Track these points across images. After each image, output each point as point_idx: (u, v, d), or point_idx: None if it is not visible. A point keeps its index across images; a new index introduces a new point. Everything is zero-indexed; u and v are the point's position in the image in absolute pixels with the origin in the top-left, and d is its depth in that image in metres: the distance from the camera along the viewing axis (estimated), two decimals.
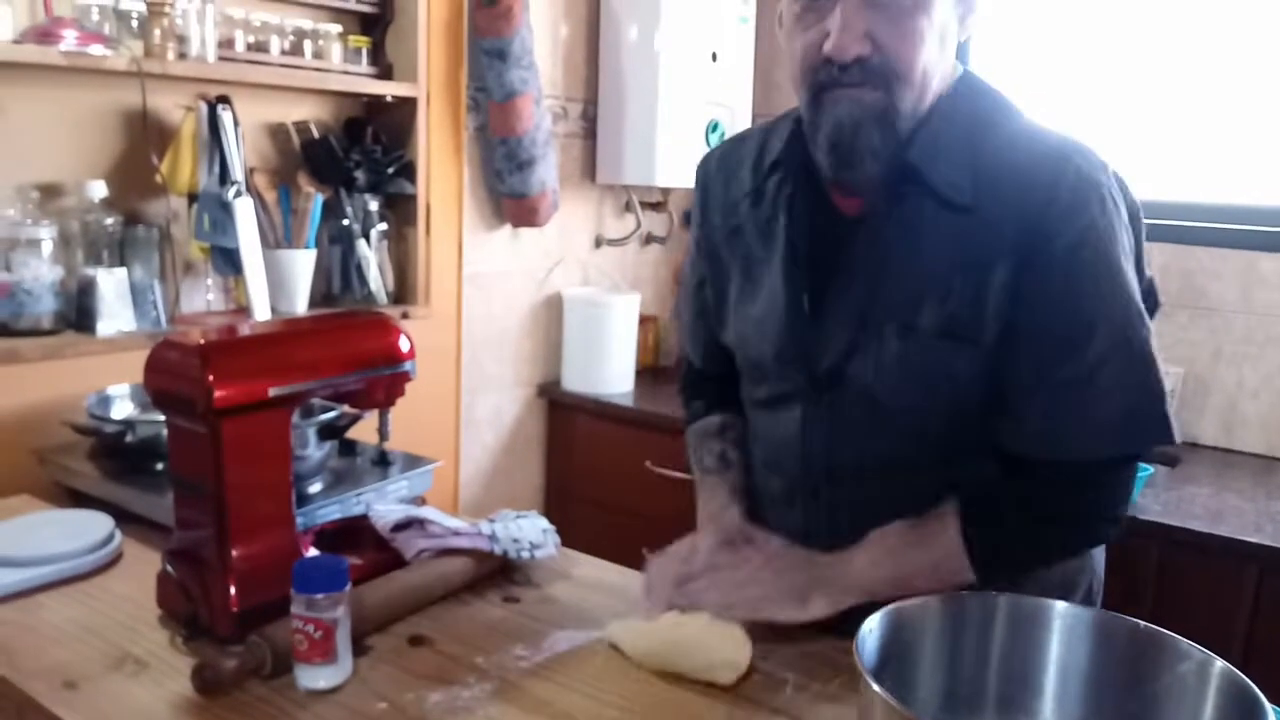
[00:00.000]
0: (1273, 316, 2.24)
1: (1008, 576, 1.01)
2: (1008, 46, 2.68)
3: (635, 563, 1.33)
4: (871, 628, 0.72)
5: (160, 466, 1.47)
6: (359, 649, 1.05)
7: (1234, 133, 2.38)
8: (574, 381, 2.74)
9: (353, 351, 1.20)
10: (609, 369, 2.70)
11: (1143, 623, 0.73)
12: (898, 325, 1.03)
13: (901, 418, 1.07)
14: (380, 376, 1.23)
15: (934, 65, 1.00)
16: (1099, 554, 1.22)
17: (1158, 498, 1.91)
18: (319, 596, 0.98)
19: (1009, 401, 1.02)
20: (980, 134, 1.03)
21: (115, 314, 1.80)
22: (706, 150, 2.68)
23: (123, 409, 1.64)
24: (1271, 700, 0.86)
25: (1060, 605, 0.77)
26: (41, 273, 1.73)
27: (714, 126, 2.71)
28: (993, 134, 1.03)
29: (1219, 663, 0.68)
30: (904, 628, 0.75)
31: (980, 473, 1.07)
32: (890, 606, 0.75)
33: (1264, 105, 2.33)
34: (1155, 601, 1.79)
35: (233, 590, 1.08)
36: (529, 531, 1.31)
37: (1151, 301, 1.06)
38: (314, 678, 0.99)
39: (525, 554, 1.28)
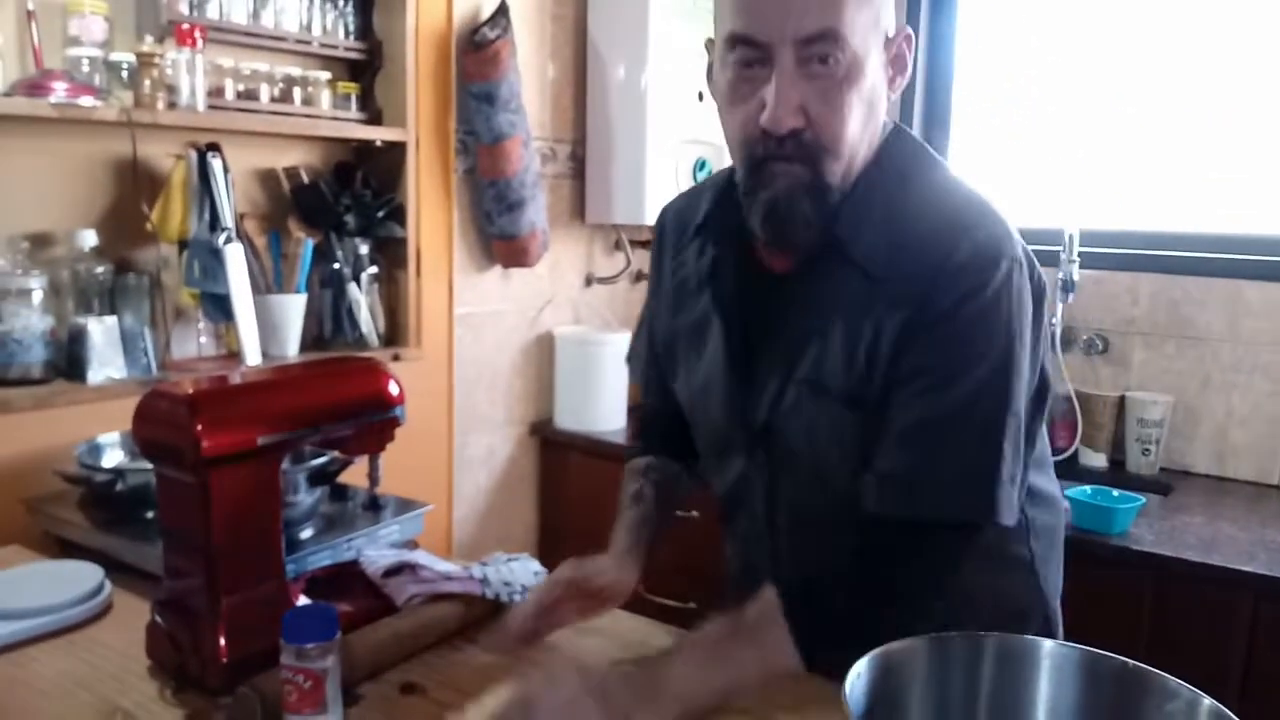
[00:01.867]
0: (1259, 344, 2.26)
1: (837, 658, 0.86)
2: (994, 77, 2.72)
3: (630, 603, 1.32)
4: (859, 672, 0.72)
5: (150, 515, 1.46)
6: (350, 698, 1.05)
7: (1218, 162, 2.41)
8: (567, 420, 2.74)
9: (341, 398, 1.21)
10: (601, 407, 2.70)
11: (1131, 661, 0.73)
12: (810, 387, 1.06)
13: (822, 472, 1.10)
14: (370, 423, 1.23)
15: (860, 136, 1.02)
16: (1050, 579, 1.22)
17: (1151, 527, 1.91)
18: (308, 646, 0.98)
19: (872, 453, 1.02)
20: (900, 200, 1.05)
21: (106, 362, 1.80)
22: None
23: (113, 457, 1.64)
24: None
25: (1048, 644, 0.77)
26: (32, 322, 1.73)
27: (701, 164, 2.73)
28: (910, 200, 1.05)
29: (1207, 701, 0.68)
30: (891, 671, 0.75)
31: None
32: (878, 650, 0.75)
33: (1247, 134, 2.36)
34: (1150, 633, 1.79)
35: (222, 641, 1.07)
36: (520, 574, 1.31)
37: (1041, 385, 1.08)
38: None
39: (517, 597, 1.28)
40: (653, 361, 1.34)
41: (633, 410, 1.51)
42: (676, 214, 1.28)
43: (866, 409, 1.03)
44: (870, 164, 1.06)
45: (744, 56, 0.99)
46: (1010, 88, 2.67)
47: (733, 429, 1.17)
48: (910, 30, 1.05)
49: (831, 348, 1.05)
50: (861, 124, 1.01)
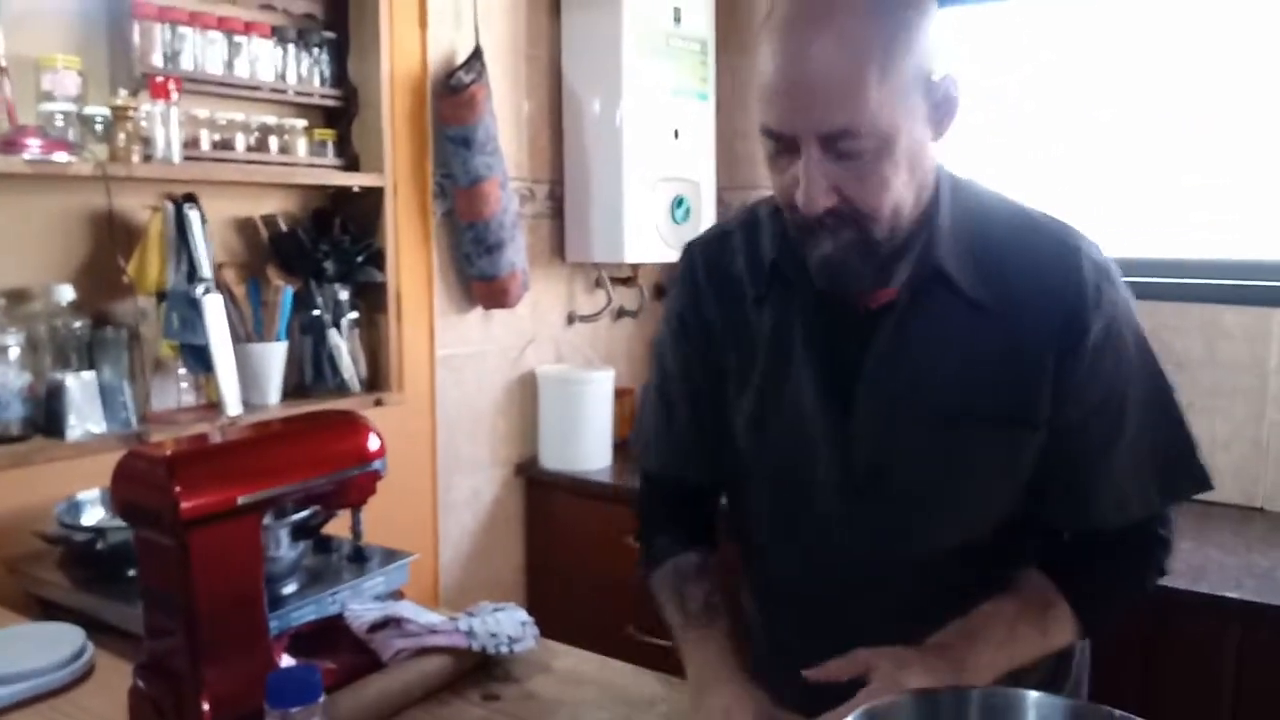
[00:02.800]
0: (1238, 368, 2.27)
1: (1109, 627, 1.11)
2: (970, 106, 2.74)
3: (620, 640, 1.31)
4: None
5: (132, 573, 1.44)
6: None
7: (1194, 189, 2.43)
8: (552, 459, 2.73)
9: (321, 453, 1.20)
10: (586, 445, 2.70)
11: (1119, 712, 0.72)
12: (941, 419, 1.06)
13: (942, 510, 1.09)
14: (350, 477, 1.22)
15: (904, 193, 1.01)
16: None
17: None
18: (294, 710, 0.96)
19: (1073, 486, 1.07)
20: (980, 228, 1.07)
21: (85, 417, 1.79)
22: (674, 226, 2.73)
23: (94, 514, 1.62)
24: None
25: (1034, 695, 0.76)
26: (9, 379, 1.71)
27: (679, 202, 2.75)
28: (992, 229, 1.07)
29: None
30: None
31: (1013, 558, 1.11)
32: (863, 707, 0.74)
33: (1221, 160, 2.38)
34: (1143, 665, 1.78)
35: (205, 706, 1.05)
36: (507, 625, 1.30)
37: None
38: None
39: (504, 649, 1.27)
40: (680, 423, 1.25)
41: (647, 496, 1.35)
42: (706, 253, 1.24)
43: (1022, 427, 1.05)
44: (944, 198, 1.07)
45: (774, 145, 1.01)
46: (986, 117, 2.70)
47: (823, 474, 1.12)
48: (954, 76, 1.02)
49: (953, 377, 1.05)
50: (903, 184, 1.00)
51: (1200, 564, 1.89)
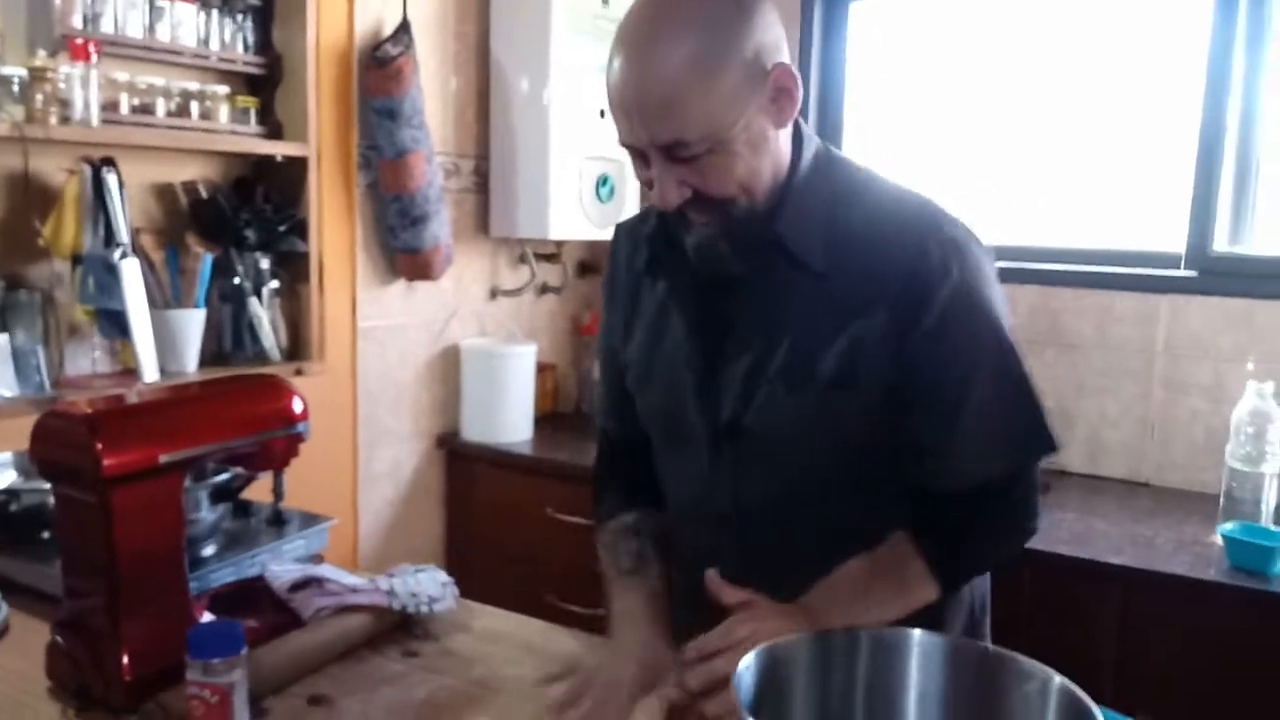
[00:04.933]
0: (1127, 351, 2.40)
1: (964, 581, 1.21)
2: (862, 102, 2.83)
3: (539, 609, 1.36)
4: (747, 665, 0.77)
5: (46, 535, 1.44)
6: (257, 712, 1.06)
7: (1089, 180, 2.55)
8: (473, 432, 2.76)
9: (245, 414, 1.21)
10: (508, 418, 2.73)
11: (991, 646, 0.79)
12: (783, 379, 1.13)
13: (795, 460, 1.16)
14: (274, 439, 1.24)
15: (753, 176, 1.08)
16: None
17: None
18: (214, 661, 0.99)
19: (920, 448, 1.13)
20: (844, 205, 1.14)
21: None
22: (599, 204, 2.77)
23: (5, 478, 1.60)
24: (1140, 710, 0.94)
25: (917, 634, 0.83)
26: None
27: (604, 180, 2.78)
28: (856, 204, 1.14)
29: (1057, 678, 0.75)
30: (777, 665, 0.80)
31: (871, 503, 1.18)
32: (763, 645, 0.80)
33: (1119, 153, 2.51)
34: (1029, 623, 1.88)
35: (125, 659, 1.07)
36: (427, 585, 1.33)
37: None
38: None
39: (424, 608, 1.30)
40: (617, 382, 1.34)
41: (600, 450, 1.46)
42: (629, 232, 1.34)
43: (849, 389, 1.11)
44: (802, 176, 1.13)
45: (630, 152, 1.09)
46: (891, 107, 2.78)
47: (696, 426, 1.20)
48: (785, 64, 1.07)
49: (795, 341, 1.12)
50: (747, 168, 1.07)
51: (1085, 533, 2.00)
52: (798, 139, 1.15)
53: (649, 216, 1.29)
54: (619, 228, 1.38)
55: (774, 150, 1.11)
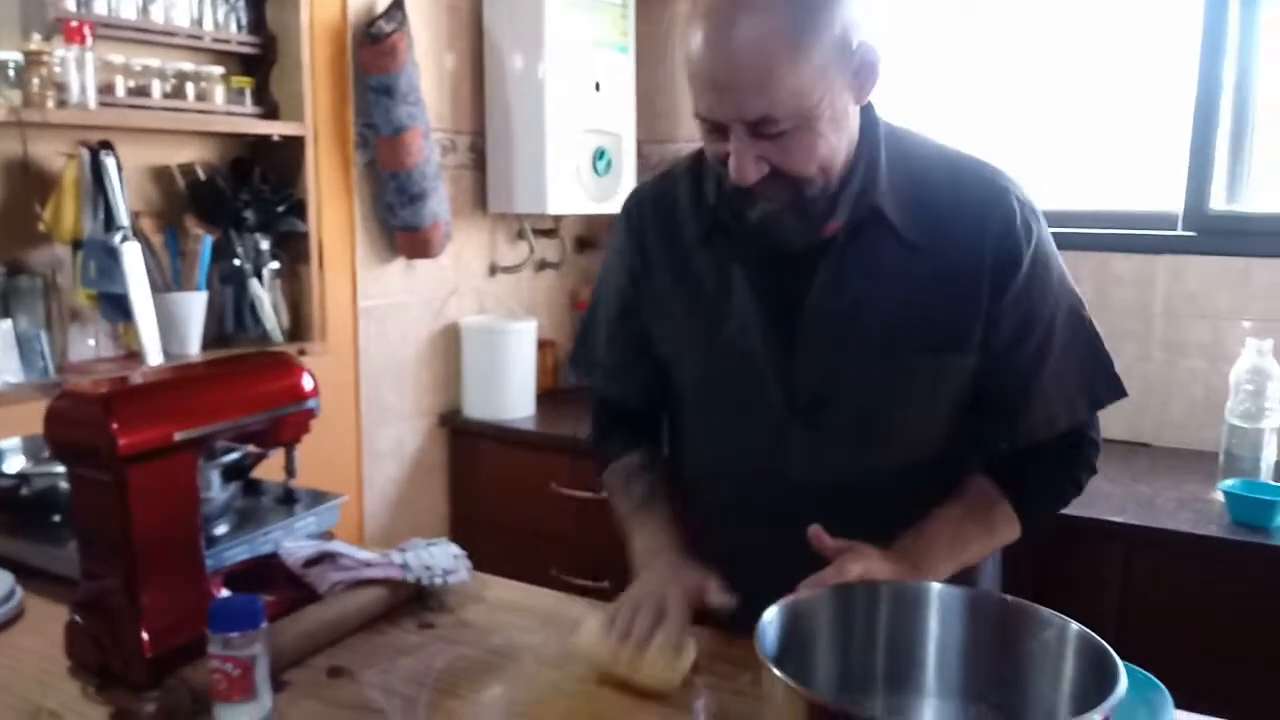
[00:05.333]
0: (1127, 312, 2.41)
1: (1045, 522, 1.26)
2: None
3: (545, 584, 1.37)
4: (770, 618, 0.78)
5: (58, 518, 1.45)
6: (277, 684, 1.07)
7: (1088, 139, 2.55)
8: (475, 409, 2.76)
9: (256, 392, 1.22)
10: (509, 394, 2.73)
11: (1010, 597, 0.81)
12: (877, 348, 1.14)
13: (875, 430, 1.18)
14: (285, 415, 1.24)
15: (831, 155, 1.08)
16: None
17: None
18: (235, 635, 0.99)
19: (1007, 405, 1.17)
20: (916, 173, 1.15)
21: (1, 367, 1.77)
22: (596, 178, 2.76)
23: (14, 463, 1.61)
24: (1145, 664, 0.95)
25: (937, 587, 0.85)
26: None
27: (600, 154, 2.78)
28: (930, 173, 1.15)
29: (1074, 625, 0.76)
30: (799, 618, 0.81)
31: (952, 469, 1.22)
32: (785, 600, 0.81)
33: (1116, 114, 2.51)
34: (1035, 581, 1.90)
35: (145, 637, 1.08)
36: (440, 558, 1.34)
37: None
38: (234, 716, 1.00)
39: (438, 580, 1.31)
40: (631, 350, 1.33)
41: (598, 410, 1.45)
42: (655, 200, 1.29)
43: (956, 353, 1.14)
44: (878, 146, 1.14)
45: (706, 126, 1.07)
46: (891, 73, 2.78)
47: (770, 397, 1.19)
48: (875, 45, 1.06)
49: (890, 307, 1.13)
50: (828, 147, 1.07)
51: (1089, 493, 1.97)
52: (869, 112, 1.15)
53: (675, 181, 1.27)
54: (640, 188, 1.34)
55: (851, 128, 1.10)
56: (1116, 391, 1.22)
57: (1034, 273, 1.13)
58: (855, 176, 1.12)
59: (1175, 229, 2.37)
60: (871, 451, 1.19)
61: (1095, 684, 0.69)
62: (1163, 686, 0.93)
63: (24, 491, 1.47)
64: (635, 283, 1.30)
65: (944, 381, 1.16)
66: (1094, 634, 0.74)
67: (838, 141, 1.08)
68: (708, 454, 1.30)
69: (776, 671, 0.70)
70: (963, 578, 1.18)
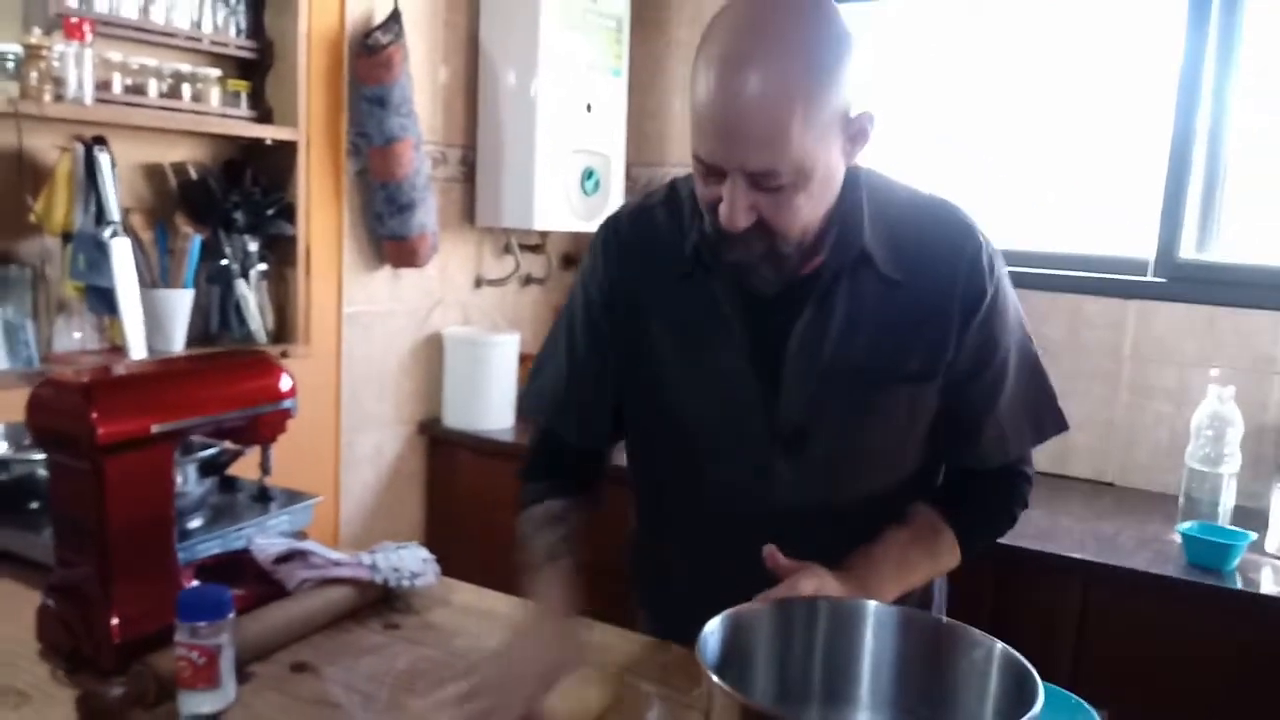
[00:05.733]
0: (1096, 353, 2.46)
1: (983, 550, 1.30)
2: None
3: (518, 594, 1.39)
4: (713, 629, 0.81)
5: (35, 505, 1.47)
6: (242, 676, 1.09)
7: (1063, 184, 2.61)
8: (455, 419, 2.79)
9: (235, 389, 1.25)
10: (490, 406, 2.76)
11: (944, 618, 0.84)
12: (860, 381, 1.18)
13: (858, 462, 1.23)
14: (262, 414, 1.27)
15: (818, 212, 1.12)
16: None
17: None
18: (202, 624, 1.02)
19: (965, 428, 1.23)
20: (893, 215, 1.19)
21: None
22: (584, 198, 2.80)
23: None
24: (1099, 699, 0.99)
25: (874, 605, 0.88)
26: None
27: (589, 174, 2.82)
28: (901, 214, 1.20)
29: (999, 645, 0.80)
30: (741, 630, 0.84)
31: (916, 492, 1.27)
32: (727, 612, 0.85)
33: (1091, 160, 2.57)
34: (993, 613, 1.95)
35: (115, 623, 1.10)
36: (409, 561, 1.37)
37: None
38: (198, 703, 1.03)
39: (406, 582, 1.34)
40: (589, 388, 1.31)
41: (535, 448, 1.41)
42: (632, 227, 1.29)
43: (931, 380, 1.19)
44: (859, 190, 1.18)
45: (703, 167, 1.09)
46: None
47: (755, 432, 1.20)
48: (871, 113, 1.09)
49: (871, 342, 1.17)
50: (814, 208, 1.10)
51: (1050, 529, 2.06)
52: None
53: (653, 213, 1.27)
54: (616, 217, 1.32)
55: (835, 189, 1.13)
56: (1060, 425, 1.29)
57: (995, 306, 1.18)
58: (836, 222, 1.15)
59: (1146, 274, 2.43)
60: (850, 478, 1.23)
61: (1018, 701, 0.73)
62: (1093, 711, 0.97)
63: (3, 477, 1.49)
64: (609, 310, 1.28)
65: (919, 409, 1.21)
66: (1018, 654, 0.77)
67: (823, 201, 1.11)
68: (687, 482, 1.30)
69: (716, 679, 0.73)
70: (916, 606, 1.22)
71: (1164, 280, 2.40)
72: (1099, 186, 2.57)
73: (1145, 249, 2.44)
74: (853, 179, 1.17)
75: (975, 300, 1.17)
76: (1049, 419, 1.28)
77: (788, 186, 1.05)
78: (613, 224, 1.31)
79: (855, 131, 1.09)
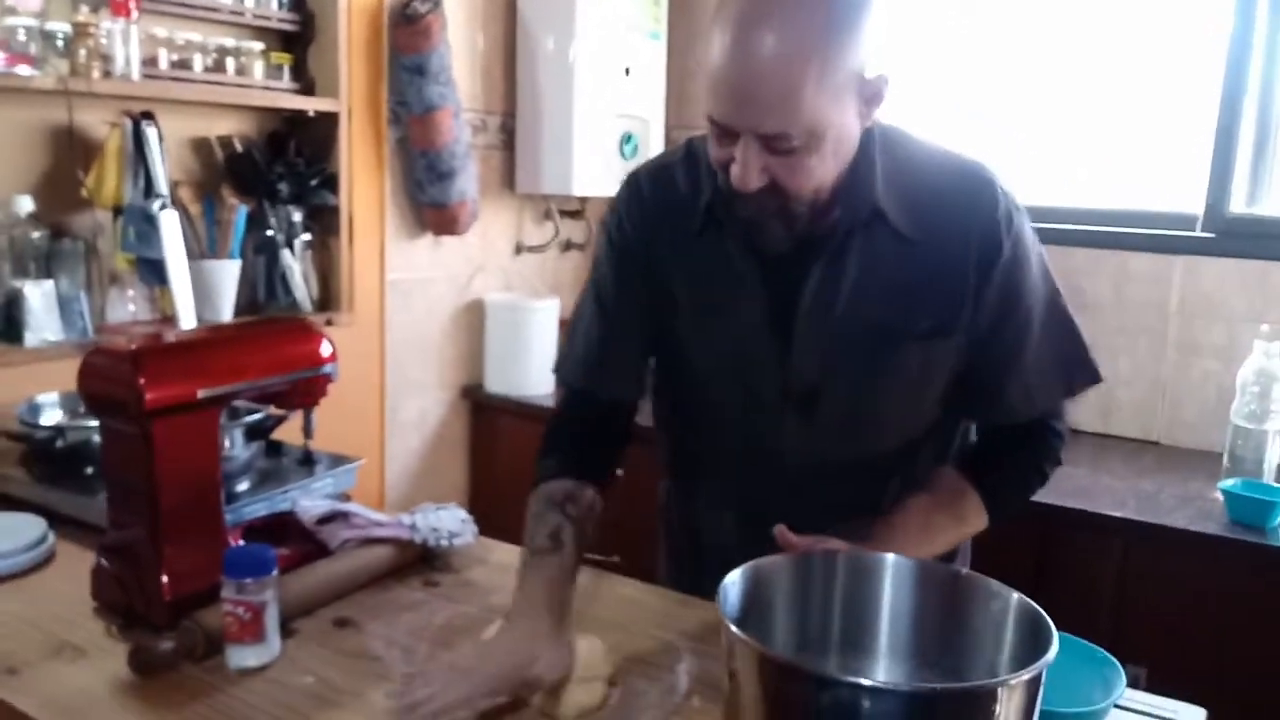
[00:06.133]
0: (1142, 310, 2.42)
1: (1013, 514, 1.27)
2: (894, 57, 2.83)
3: None
4: (733, 581, 0.83)
5: (90, 470, 1.53)
6: (286, 632, 1.13)
7: (1107, 141, 2.56)
8: (496, 384, 2.83)
9: (276, 355, 1.28)
10: (530, 371, 2.79)
11: (962, 570, 0.85)
12: (873, 337, 1.18)
13: (874, 418, 1.23)
14: (304, 379, 1.31)
15: (827, 178, 1.11)
16: None
17: None
18: (248, 581, 1.06)
19: (988, 385, 1.22)
20: (909, 172, 1.18)
21: (42, 325, 1.85)
22: (623, 162, 2.80)
23: (52, 416, 1.69)
24: (1139, 657, 0.98)
25: (891, 557, 0.89)
26: None
27: (628, 138, 2.83)
28: (917, 170, 1.19)
29: (1015, 596, 0.81)
30: (760, 583, 0.86)
31: (934, 451, 1.26)
32: (748, 564, 0.86)
33: (1134, 116, 2.51)
34: (1036, 571, 1.94)
35: (165, 581, 1.15)
36: (448, 521, 1.40)
37: None
38: (244, 657, 1.07)
39: (444, 542, 1.37)
40: (612, 342, 1.30)
41: (559, 413, 1.39)
42: (653, 183, 1.29)
43: (949, 336, 1.18)
44: (875, 148, 1.17)
45: (717, 128, 1.09)
46: (908, 68, 2.79)
47: (771, 387, 1.21)
48: (887, 75, 1.09)
49: (888, 299, 1.17)
50: (828, 170, 1.10)
51: (1092, 488, 2.05)
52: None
53: (672, 171, 1.27)
54: (637, 174, 1.32)
55: (849, 151, 1.12)
56: (1092, 377, 1.26)
57: (1015, 259, 1.17)
58: (851, 179, 1.15)
59: (1194, 230, 2.38)
60: (863, 436, 1.23)
61: (1034, 650, 0.74)
62: (1118, 664, 0.97)
63: (59, 444, 1.55)
64: (634, 264, 1.28)
65: (933, 367, 1.20)
66: (1035, 604, 0.78)
67: (837, 164, 1.11)
68: (704, 437, 1.32)
69: (736, 630, 0.75)
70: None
71: (1213, 235, 2.35)
72: (1146, 141, 2.52)
73: (1193, 204, 2.39)
74: (867, 137, 1.16)
75: (992, 256, 1.16)
76: (1080, 372, 1.25)
77: (800, 149, 1.04)
78: (634, 182, 1.32)
79: (871, 94, 1.08)
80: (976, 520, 1.24)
